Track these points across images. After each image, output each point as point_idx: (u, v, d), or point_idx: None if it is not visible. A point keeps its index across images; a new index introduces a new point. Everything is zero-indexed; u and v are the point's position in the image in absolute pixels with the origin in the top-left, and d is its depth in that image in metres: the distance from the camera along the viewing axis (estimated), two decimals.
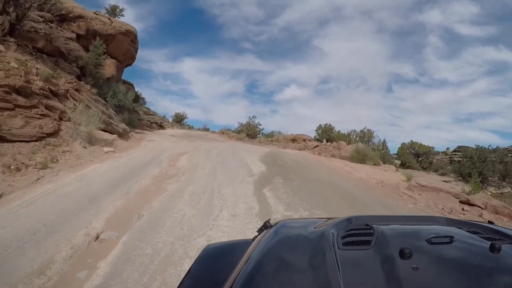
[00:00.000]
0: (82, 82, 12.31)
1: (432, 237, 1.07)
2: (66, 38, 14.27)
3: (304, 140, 21.42)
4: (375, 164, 14.87)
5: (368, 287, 0.89)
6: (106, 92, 13.16)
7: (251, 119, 27.09)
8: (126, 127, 13.06)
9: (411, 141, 32.51)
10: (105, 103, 12.88)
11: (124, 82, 20.47)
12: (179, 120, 49.80)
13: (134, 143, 12.24)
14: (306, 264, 0.99)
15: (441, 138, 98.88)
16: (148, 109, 43.51)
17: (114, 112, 13.41)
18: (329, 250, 0.99)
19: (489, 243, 1.04)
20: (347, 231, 1.21)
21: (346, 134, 29.32)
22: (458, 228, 1.28)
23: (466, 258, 1.04)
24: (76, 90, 11.39)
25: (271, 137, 31.93)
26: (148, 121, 32.44)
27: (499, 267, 0.97)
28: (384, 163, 17.28)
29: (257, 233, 1.44)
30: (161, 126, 36.81)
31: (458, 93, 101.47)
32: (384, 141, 27.08)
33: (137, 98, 23.17)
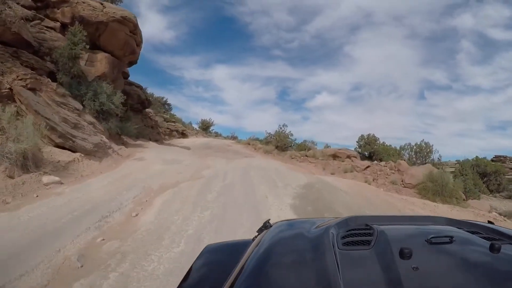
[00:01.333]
0: (47, 80, 8.97)
1: (432, 237, 1.07)
2: (47, 27, 11.21)
3: (348, 157, 16.73)
4: (457, 203, 9.90)
5: (368, 287, 0.89)
6: (84, 93, 9.82)
7: (281, 127, 22.84)
8: (106, 140, 9.49)
9: (476, 157, 26.45)
10: (79, 107, 9.44)
11: (130, 83, 17.35)
12: (205, 127, 47.01)
13: (111, 164, 8.59)
14: (306, 264, 0.99)
15: (474, 146, 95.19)
16: (174, 115, 41.17)
17: (94, 120, 9.95)
18: (329, 250, 1.00)
19: (489, 243, 1.04)
20: (347, 231, 1.21)
21: (393, 146, 24.70)
22: (458, 228, 1.28)
23: (466, 258, 1.03)
24: (32, 89, 8.00)
25: (305, 149, 27.50)
26: (168, 128, 29.60)
27: (499, 267, 0.96)
28: (466, 197, 12.08)
29: (257, 233, 1.44)
30: (183, 134, 33.93)
31: (492, 99, 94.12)
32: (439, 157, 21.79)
33: (148, 103, 19.99)
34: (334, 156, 17.01)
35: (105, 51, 12.59)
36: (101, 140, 9.16)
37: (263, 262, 1.05)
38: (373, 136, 27.90)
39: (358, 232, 1.19)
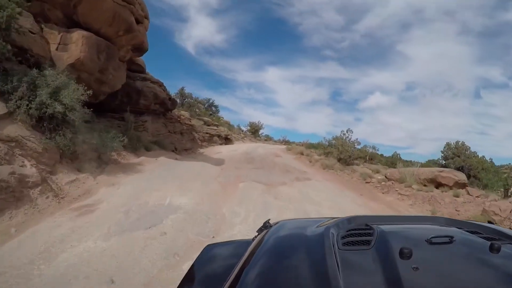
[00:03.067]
0: None
1: (432, 237, 1.07)
2: None
3: (456, 183, 10.30)
4: None
5: (368, 287, 0.88)
6: (13, 87, 5.75)
7: (344, 133, 16.97)
8: (33, 170, 5.26)
9: None
10: None
11: (144, 78, 13.41)
12: (254, 130, 42.62)
13: (12, 224, 4.17)
14: (306, 264, 0.97)
15: None
16: (219, 118, 37.55)
17: (28, 133, 5.81)
18: (329, 250, 0.99)
19: (489, 243, 1.05)
20: (347, 231, 1.21)
21: (487, 159, 18.04)
22: (458, 228, 1.29)
23: (466, 258, 1.05)
24: None
25: (366, 157, 21.12)
26: (207, 133, 25.67)
27: (499, 267, 0.97)
28: None
29: (257, 233, 1.44)
30: (226, 140, 29.83)
31: None
32: None
33: (172, 103, 15.96)
34: (433, 182, 10.71)
35: (83, 28, 8.59)
36: (13, 173, 4.89)
37: (263, 262, 1.05)
38: (463, 144, 20.51)
39: (358, 232, 1.18)
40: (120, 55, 10.48)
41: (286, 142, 42.88)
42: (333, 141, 17.78)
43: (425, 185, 10.39)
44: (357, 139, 16.88)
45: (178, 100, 29.02)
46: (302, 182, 10.09)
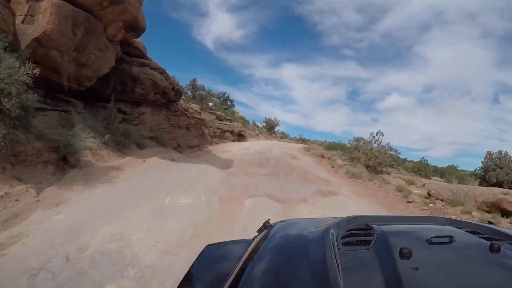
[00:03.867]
0: None
1: (432, 237, 1.06)
2: None
3: None
4: None
5: (368, 287, 0.88)
6: None
7: (374, 136, 14.55)
8: None
9: None
10: None
11: (143, 64, 11.51)
12: (270, 127, 40.38)
13: None
14: (306, 264, 0.97)
15: None
16: (234, 113, 35.56)
17: None
18: (329, 250, 0.99)
19: (489, 243, 1.04)
20: (347, 231, 1.20)
21: None
22: (458, 228, 1.28)
23: (466, 258, 1.04)
24: None
25: (404, 168, 18.79)
26: (219, 129, 23.77)
27: (499, 267, 0.97)
28: None
29: (257, 233, 1.43)
30: (240, 136, 27.84)
31: None
32: None
33: (176, 94, 14.01)
34: (495, 207, 8.24)
35: None
36: None
37: (263, 262, 1.04)
38: (506, 155, 17.71)
39: (358, 232, 1.18)
40: (109, 34, 8.61)
41: (302, 141, 40.44)
42: (356, 143, 15.42)
43: (487, 211, 7.97)
44: (388, 143, 14.41)
45: (189, 92, 27.28)
46: (327, 198, 7.95)
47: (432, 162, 28.34)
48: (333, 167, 14.16)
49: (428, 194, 9.66)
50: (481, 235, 1.17)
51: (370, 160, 13.41)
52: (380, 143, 14.44)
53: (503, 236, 1.16)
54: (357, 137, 15.69)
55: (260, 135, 34.70)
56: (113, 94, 10.93)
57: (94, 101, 10.55)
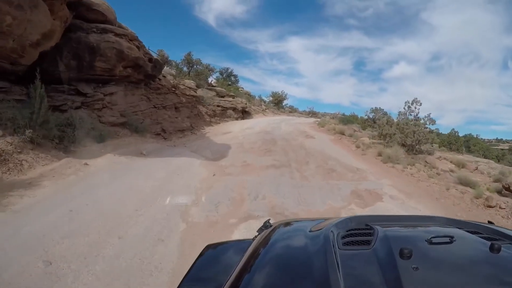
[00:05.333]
0: None
1: (432, 237, 1.04)
2: None
3: None
4: None
5: (368, 287, 0.87)
6: None
7: (409, 106, 11.45)
8: None
9: None
10: None
11: (104, 30, 8.54)
12: (277, 101, 37.09)
13: None
14: (306, 264, 0.97)
15: None
16: (238, 88, 32.34)
17: None
18: (329, 250, 0.98)
19: (489, 243, 1.03)
20: (347, 231, 1.19)
21: None
22: (458, 228, 1.26)
23: (466, 258, 1.02)
24: None
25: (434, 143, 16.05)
26: (219, 106, 20.88)
27: (499, 267, 0.95)
28: None
29: (257, 233, 1.42)
30: (244, 113, 24.88)
31: None
32: None
33: (155, 67, 11.02)
34: None
35: None
36: None
37: (263, 262, 1.04)
38: None
39: (358, 232, 1.17)
40: None
41: (313, 114, 37.21)
42: (374, 114, 12.36)
43: None
44: (429, 114, 11.28)
45: (185, 68, 24.16)
46: (370, 206, 5.19)
47: (443, 131, 24.68)
48: (358, 147, 11.28)
49: (505, 187, 6.77)
50: (481, 235, 1.15)
51: (407, 137, 10.45)
52: (417, 114, 11.39)
53: (503, 236, 1.15)
54: (375, 107, 12.67)
55: (267, 110, 31.65)
56: (68, 72, 8.18)
57: (47, 84, 7.81)
